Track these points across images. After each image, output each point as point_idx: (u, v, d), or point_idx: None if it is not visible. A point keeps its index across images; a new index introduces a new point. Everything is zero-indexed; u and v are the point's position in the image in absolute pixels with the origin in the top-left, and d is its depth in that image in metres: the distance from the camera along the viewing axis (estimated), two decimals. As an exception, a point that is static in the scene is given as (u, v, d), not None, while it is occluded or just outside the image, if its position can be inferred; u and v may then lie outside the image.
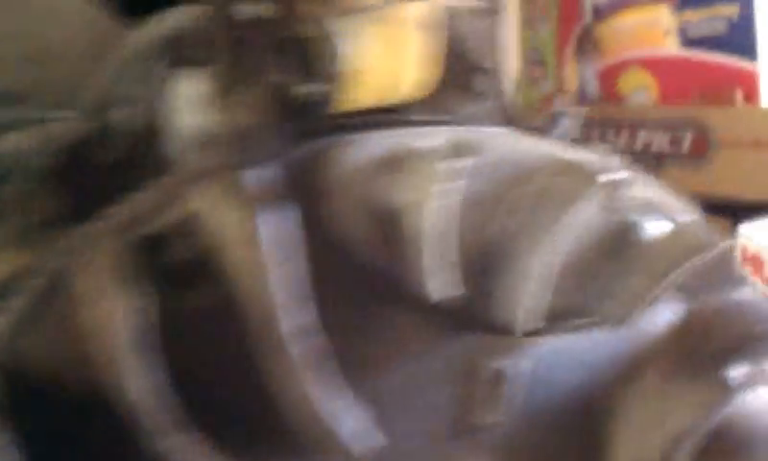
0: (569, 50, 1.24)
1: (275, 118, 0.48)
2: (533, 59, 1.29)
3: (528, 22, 1.29)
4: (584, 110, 1.15)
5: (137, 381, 0.45)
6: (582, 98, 1.22)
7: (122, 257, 0.49)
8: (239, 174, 0.48)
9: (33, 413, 0.49)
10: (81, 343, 0.47)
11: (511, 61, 0.56)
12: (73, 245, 0.52)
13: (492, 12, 0.51)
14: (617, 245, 0.54)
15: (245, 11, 0.46)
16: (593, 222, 0.53)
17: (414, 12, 0.46)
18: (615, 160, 0.57)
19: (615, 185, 0.54)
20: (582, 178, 0.52)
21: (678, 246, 0.54)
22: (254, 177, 0.48)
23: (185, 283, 0.49)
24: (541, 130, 0.58)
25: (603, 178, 0.53)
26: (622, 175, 0.55)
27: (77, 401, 0.47)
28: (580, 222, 0.53)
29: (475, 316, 0.53)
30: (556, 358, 0.53)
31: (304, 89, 0.49)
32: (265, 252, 0.45)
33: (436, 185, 0.49)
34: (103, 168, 0.58)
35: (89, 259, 0.50)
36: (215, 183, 0.48)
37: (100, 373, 0.46)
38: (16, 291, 0.53)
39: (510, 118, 0.53)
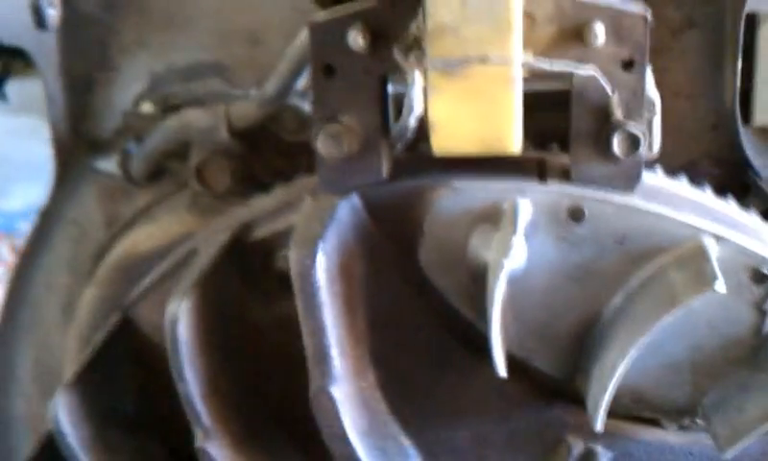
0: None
1: (377, 150, 0.47)
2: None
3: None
4: None
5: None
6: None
7: (229, 255, 0.51)
8: (333, 200, 0.47)
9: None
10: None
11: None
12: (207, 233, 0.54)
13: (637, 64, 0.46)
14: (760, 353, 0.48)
15: (352, 40, 0.45)
16: (728, 319, 0.47)
17: (510, 72, 0.43)
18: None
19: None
20: (721, 267, 0.46)
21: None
22: (348, 205, 0.48)
23: (263, 295, 0.50)
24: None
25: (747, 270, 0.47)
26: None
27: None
28: (705, 318, 0.47)
29: (570, 391, 0.49)
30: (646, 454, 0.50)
31: (396, 129, 0.47)
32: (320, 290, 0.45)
33: (521, 250, 0.46)
34: (273, 149, 0.60)
35: (207, 251, 0.52)
36: (311, 202, 0.48)
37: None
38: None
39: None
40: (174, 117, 0.60)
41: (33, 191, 0.72)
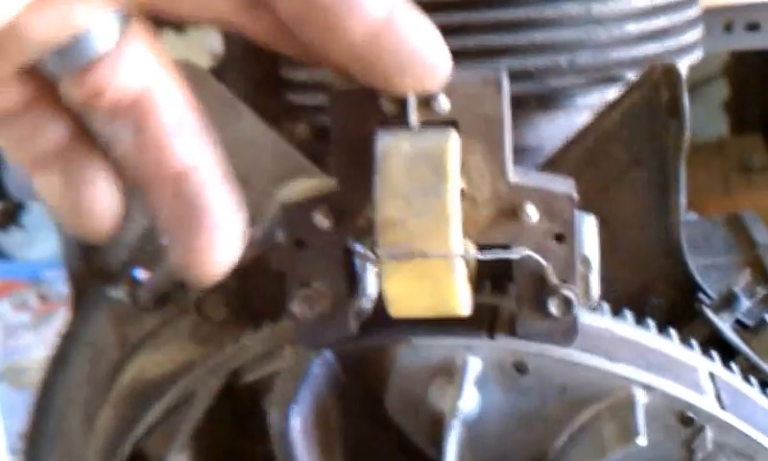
0: None
1: (345, 311, 0.53)
2: None
3: None
4: None
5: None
6: None
7: (222, 401, 0.57)
8: (305, 355, 0.53)
9: None
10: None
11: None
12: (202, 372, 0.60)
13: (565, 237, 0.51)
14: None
15: (317, 220, 0.51)
16: (661, 457, 0.52)
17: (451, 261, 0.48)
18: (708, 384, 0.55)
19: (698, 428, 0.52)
20: (649, 419, 0.51)
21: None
22: (321, 360, 0.53)
23: (252, 434, 0.55)
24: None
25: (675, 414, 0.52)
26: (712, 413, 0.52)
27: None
28: (642, 457, 0.52)
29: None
30: None
31: (357, 301, 0.52)
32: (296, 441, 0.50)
33: (472, 400, 0.51)
34: (265, 277, 0.65)
35: (201, 397, 0.57)
36: (290, 356, 0.54)
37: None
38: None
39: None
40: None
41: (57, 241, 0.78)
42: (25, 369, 2.23)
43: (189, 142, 0.43)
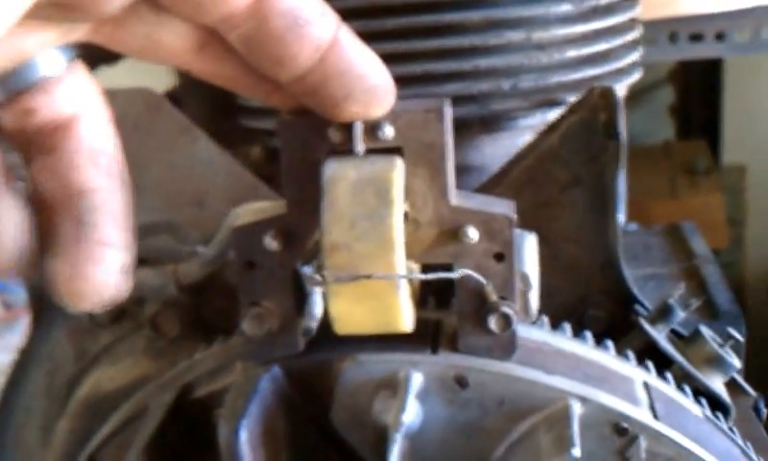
0: None
1: (293, 329, 0.54)
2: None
3: None
4: None
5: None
6: None
7: (174, 414, 0.58)
8: (254, 371, 0.54)
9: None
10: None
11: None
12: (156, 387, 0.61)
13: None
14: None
15: (267, 243, 0.52)
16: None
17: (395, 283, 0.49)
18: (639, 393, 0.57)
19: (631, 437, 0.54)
20: (585, 429, 0.53)
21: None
22: (270, 376, 0.55)
23: (203, 447, 0.57)
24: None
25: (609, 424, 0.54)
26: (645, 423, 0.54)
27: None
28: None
29: None
30: None
31: (304, 320, 0.54)
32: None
33: (414, 413, 0.53)
34: (218, 293, 0.67)
35: (154, 411, 0.59)
36: (240, 371, 0.55)
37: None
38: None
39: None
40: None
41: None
42: (-13, 373, 2.22)
43: (97, 169, 0.43)
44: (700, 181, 2.24)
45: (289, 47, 0.44)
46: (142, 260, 0.68)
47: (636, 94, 2.39)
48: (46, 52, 0.42)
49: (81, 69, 0.44)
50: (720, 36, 1.43)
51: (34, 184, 0.43)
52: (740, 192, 2.46)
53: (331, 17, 0.44)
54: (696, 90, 2.63)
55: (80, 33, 0.42)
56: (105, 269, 0.42)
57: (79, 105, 0.43)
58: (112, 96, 0.45)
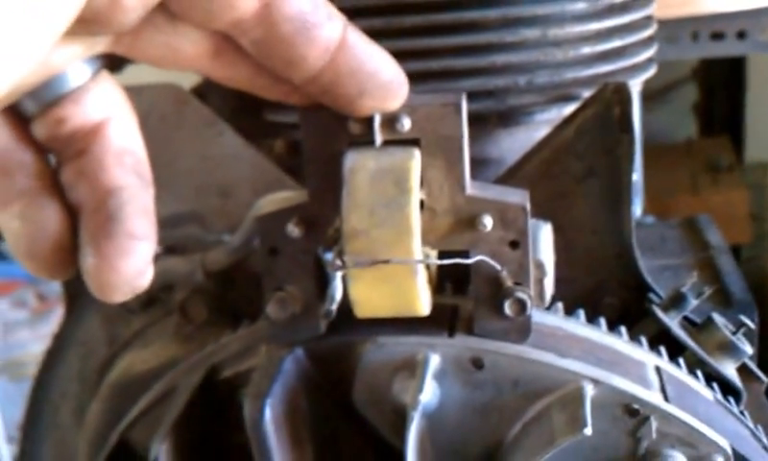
0: None
1: (315, 312, 0.55)
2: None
3: None
4: None
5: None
6: None
7: (201, 394, 0.59)
8: (278, 352, 0.56)
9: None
10: None
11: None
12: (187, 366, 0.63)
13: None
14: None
15: (290, 230, 0.53)
16: (608, 445, 0.55)
17: (412, 267, 0.51)
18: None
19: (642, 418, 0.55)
20: (597, 410, 0.54)
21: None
22: (293, 357, 0.56)
23: (229, 425, 0.58)
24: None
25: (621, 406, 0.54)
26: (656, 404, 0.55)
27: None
28: (589, 443, 0.54)
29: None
30: None
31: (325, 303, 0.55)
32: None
33: (432, 393, 0.54)
34: (245, 281, 0.68)
35: (182, 391, 0.60)
36: (265, 353, 0.57)
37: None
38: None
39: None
40: (159, 263, 0.68)
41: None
42: (23, 363, 2.25)
43: (125, 168, 0.45)
44: (723, 178, 2.23)
45: (299, 50, 0.45)
46: (171, 249, 0.69)
47: (659, 92, 2.39)
48: (74, 64, 0.44)
49: (106, 77, 0.46)
50: (741, 35, 1.43)
51: (67, 186, 0.45)
52: (763, 188, 2.45)
53: (338, 19, 0.46)
54: (719, 88, 2.62)
55: (103, 45, 0.44)
56: (135, 261, 0.44)
57: (106, 110, 0.46)
58: (141, 92, 0.47)
